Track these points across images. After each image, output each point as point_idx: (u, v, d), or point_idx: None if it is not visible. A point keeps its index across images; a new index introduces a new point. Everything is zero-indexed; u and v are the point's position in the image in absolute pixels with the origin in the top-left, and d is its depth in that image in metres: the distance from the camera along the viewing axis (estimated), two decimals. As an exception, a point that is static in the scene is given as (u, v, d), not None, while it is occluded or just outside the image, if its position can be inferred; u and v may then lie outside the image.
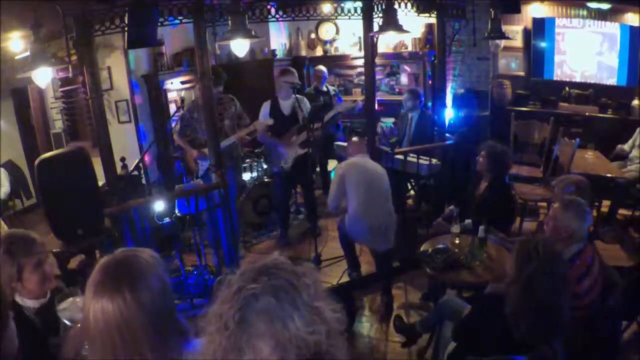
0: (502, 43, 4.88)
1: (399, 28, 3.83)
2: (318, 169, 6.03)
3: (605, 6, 5.54)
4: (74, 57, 3.29)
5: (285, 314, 0.88)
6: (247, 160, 5.36)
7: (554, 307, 1.92)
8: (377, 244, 3.81)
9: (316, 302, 0.92)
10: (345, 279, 4.10)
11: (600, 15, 5.64)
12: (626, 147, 4.99)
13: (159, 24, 3.38)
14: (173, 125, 4.89)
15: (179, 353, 1.22)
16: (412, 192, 5.41)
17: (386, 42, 6.64)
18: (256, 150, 5.32)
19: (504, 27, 4.75)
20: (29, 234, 1.89)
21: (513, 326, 1.96)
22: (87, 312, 1.16)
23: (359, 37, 6.51)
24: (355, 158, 3.83)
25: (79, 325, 1.48)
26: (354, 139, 4.10)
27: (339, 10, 4.36)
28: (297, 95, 4.58)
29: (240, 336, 0.88)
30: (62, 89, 5.96)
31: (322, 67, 5.85)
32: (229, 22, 3.44)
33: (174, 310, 1.26)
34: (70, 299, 1.88)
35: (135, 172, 4.67)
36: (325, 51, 7.09)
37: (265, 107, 4.60)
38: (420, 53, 6.52)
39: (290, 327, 0.87)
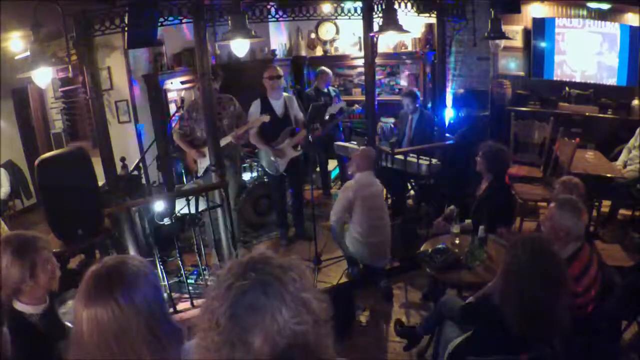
0: (502, 43, 4.88)
1: (399, 28, 3.83)
2: (318, 169, 6.03)
3: (605, 6, 5.54)
4: (74, 57, 3.29)
5: (273, 308, 0.92)
6: (247, 160, 5.37)
7: (545, 303, 1.91)
8: (377, 261, 3.91)
9: (303, 293, 0.96)
10: (346, 279, 4.11)
11: (600, 15, 5.64)
12: (625, 150, 4.96)
13: (159, 24, 3.38)
14: (173, 125, 4.89)
15: (177, 354, 1.22)
16: (412, 192, 5.41)
17: (386, 42, 6.64)
18: (256, 151, 5.32)
19: (504, 27, 4.75)
20: (30, 232, 1.89)
21: (509, 323, 1.95)
22: (79, 322, 1.14)
23: (359, 37, 6.52)
24: (363, 176, 3.76)
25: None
26: (362, 148, 3.97)
27: (339, 10, 4.36)
28: (288, 95, 4.57)
29: (232, 331, 0.92)
30: (62, 89, 5.97)
31: (327, 69, 5.83)
32: (229, 22, 3.44)
33: (168, 313, 1.26)
34: (70, 302, 1.88)
35: (135, 172, 4.68)
36: (325, 51, 7.09)
37: (256, 106, 4.51)
38: (420, 53, 6.52)
39: (278, 320, 0.92)
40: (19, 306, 1.81)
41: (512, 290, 1.96)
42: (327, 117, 5.21)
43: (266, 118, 4.35)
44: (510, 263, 2.01)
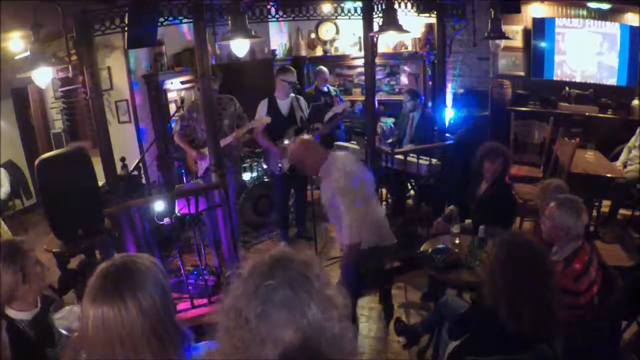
0: (502, 43, 4.89)
1: (399, 28, 3.83)
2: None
3: (605, 6, 5.54)
4: (74, 57, 3.28)
5: (302, 303, 0.94)
6: (247, 160, 5.37)
7: (533, 298, 1.90)
8: (386, 237, 3.34)
9: (326, 289, 0.99)
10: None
11: (600, 15, 5.64)
12: (625, 150, 4.96)
13: (159, 24, 3.38)
14: (173, 125, 4.89)
15: (180, 357, 1.22)
16: (412, 192, 5.41)
17: (386, 42, 6.64)
18: (256, 150, 5.32)
19: (504, 27, 4.75)
20: (14, 238, 1.91)
21: (505, 323, 1.95)
22: (85, 319, 1.14)
23: (359, 37, 6.51)
24: (335, 162, 3.05)
25: (76, 334, 1.49)
26: (305, 138, 3.17)
27: (339, 10, 4.36)
28: (295, 95, 4.57)
29: (262, 329, 0.93)
30: (62, 89, 5.97)
31: (323, 68, 5.85)
32: (229, 22, 3.44)
33: (174, 315, 1.26)
34: (67, 307, 1.87)
35: (135, 172, 4.68)
36: (325, 51, 7.09)
37: (263, 105, 4.57)
38: (420, 53, 6.52)
39: (308, 315, 0.93)
40: (10, 312, 1.81)
41: (499, 288, 1.97)
42: (331, 116, 5.20)
43: (267, 119, 4.39)
44: (493, 263, 2.03)
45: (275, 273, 0.97)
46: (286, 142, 4.57)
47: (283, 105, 4.57)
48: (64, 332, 1.81)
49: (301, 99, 4.69)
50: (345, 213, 2.98)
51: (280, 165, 4.61)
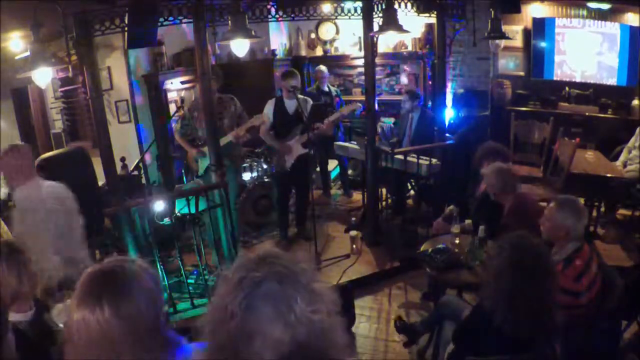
0: (502, 43, 4.88)
1: (399, 28, 3.83)
2: (318, 169, 6.03)
3: (605, 6, 5.54)
4: (74, 57, 3.29)
5: (288, 297, 0.93)
6: (247, 160, 5.37)
7: (534, 297, 1.91)
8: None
9: (313, 284, 0.98)
10: (345, 278, 4.11)
11: (600, 15, 5.64)
12: (625, 150, 4.96)
13: (159, 24, 3.38)
14: (173, 125, 4.89)
15: None
16: (412, 192, 5.41)
17: (386, 42, 6.64)
18: (256, 150, 5.32)
19: (504, 27, 4.75)
20: (11, 239, 1.91)
21: (503, 326, 1.95)
22: (70, 322, 1.15)
23: (359, 37, 6.51)
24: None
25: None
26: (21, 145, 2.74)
27: (339, 10, 4.37)
28: (301, 96, 4.58)
29: (249, 322, 0.92)
30: (62, 89, 5.97)
31: (322, 68, 5.85)
32: (229, 22, 3.44)
33: (161, 322, 1.23)
34: (60, 305, 1.87)
35: (135, 172, 4.68)
36: (325, 51, 7.09)
37: (270, 105, 4.61)
38: (420, 53, 6.52)
39: (295, 309, 0.92)
40: (9, 315, 1.80)
41: (501, 289, 1.96)
42: (337, 117, 5.19)
43: (265, 118, 4.41)
44: (496, 264, 2.02)
45: (260, 267, 0.96)
46: (294, 139, 4.60)
47: (289, 105, 4.60)
48: (63, 326, 1.81)
49: (307, 99, 4.69)
50: None
51: (282, 162, 4.62)
